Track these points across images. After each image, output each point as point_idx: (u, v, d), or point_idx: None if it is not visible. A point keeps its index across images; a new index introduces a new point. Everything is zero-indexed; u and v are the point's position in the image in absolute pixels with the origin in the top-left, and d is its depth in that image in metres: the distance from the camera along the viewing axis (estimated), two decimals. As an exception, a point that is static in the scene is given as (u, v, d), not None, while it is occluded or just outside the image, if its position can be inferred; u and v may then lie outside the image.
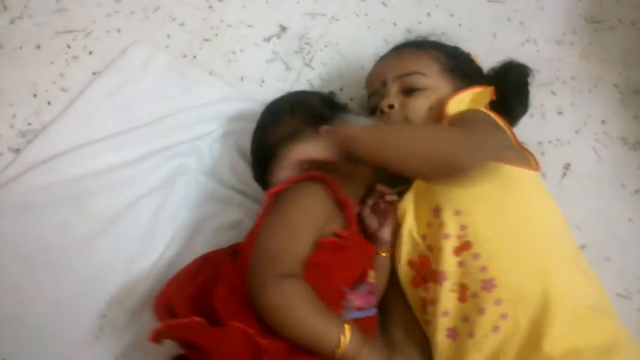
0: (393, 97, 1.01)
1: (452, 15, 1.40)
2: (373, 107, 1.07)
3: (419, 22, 1.37)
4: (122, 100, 1.15)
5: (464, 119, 0.90)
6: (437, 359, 0.83)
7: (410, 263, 0.90)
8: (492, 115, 0.96)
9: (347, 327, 0.72)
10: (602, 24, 1.45)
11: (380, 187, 0.91)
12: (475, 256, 0.82)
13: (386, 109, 1.00)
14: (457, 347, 0.81)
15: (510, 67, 1.05)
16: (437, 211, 0.87)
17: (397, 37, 1.34)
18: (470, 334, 0.79)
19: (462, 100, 0.95)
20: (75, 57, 1.20)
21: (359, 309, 0.81)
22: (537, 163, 0.96)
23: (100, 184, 1.05)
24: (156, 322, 0.77)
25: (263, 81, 1.24)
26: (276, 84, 1.23)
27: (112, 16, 1.28)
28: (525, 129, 1.20)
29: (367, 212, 0.93)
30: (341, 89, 1.26)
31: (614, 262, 1.10)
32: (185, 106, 1.15)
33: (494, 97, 0.98)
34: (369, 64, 1.28)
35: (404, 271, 0.91)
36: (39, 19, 1.25)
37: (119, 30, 1.26)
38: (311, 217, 0.80)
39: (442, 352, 0.83)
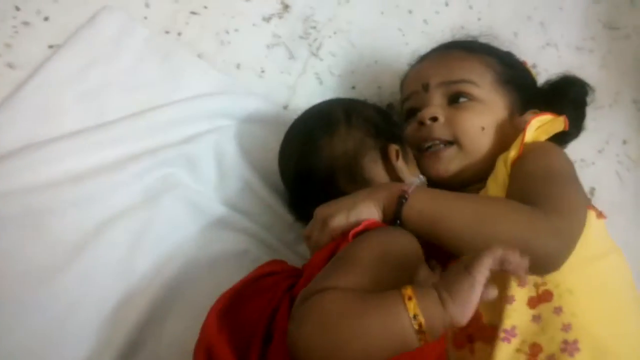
0: (437, 107, 0.85)
1: (471, 7, 1.24)
2: (409, 111, 0.91)
3: (436, 12, 1.20)
4: (88, 86, 0.90)
5: (543, 163, 0.75)
6: None
7: (454, 340, 0.74)
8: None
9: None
10: (619, 31, 1.35)
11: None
12: (557, 310, 0.68)
13: (427, 121, 0.85)
14: None
15: (572, 84, 0.92)
16: None
17: (414, 27, 1.18)
18: None
19: (535, 131, 0.80)
20: (26, 24, 0.93)
21: None
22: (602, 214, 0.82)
23: (62, 198, 0.81)
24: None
25: (263, 71, 1.03)
26: (279, 76, 1.03)
27: (74, -29, 1.00)
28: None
29: None
30: (353, 87, 1.08)
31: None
32: (169, 98, 0.93)
33: (566, 129, 0.83)
34: (383, 58, 1.12)
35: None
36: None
37: (82, -8, 0.99)
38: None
39: None
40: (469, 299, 0.53)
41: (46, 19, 0.95)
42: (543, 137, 0.81)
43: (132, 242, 0.81)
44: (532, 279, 0.70)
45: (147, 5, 1.01)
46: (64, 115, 0.87)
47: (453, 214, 0.67)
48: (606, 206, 1.07)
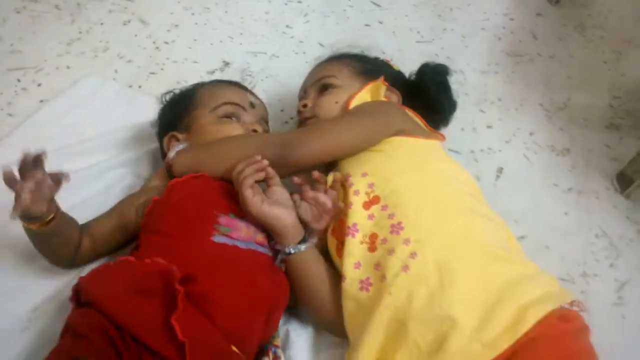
0: (308, 99, 1.11)
1: (383, 52, 1.51)
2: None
3: (355, 58, 1.48)
4: (69, 122, 1.19)
5: (355, 108, 1.02)
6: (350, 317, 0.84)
7: (333, 231, 0.92)
8: (389, 100, 1.07)
9: None
10: (522, 57, 1.58)
11: (316, 174, 0.93)
12: (384, 207, 0.87)
13: (301, 108, 1.11)
14: (371, 298, 0.81)
15: (427, 67, 1.16)
16: (347, 177, 0.93)
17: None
18: (382, 278, 0.80)
19: (363, 97, 1.06)
20: (24, 89, 1.26)
21: (240, 239, 0.83)
22: (442, 137, 1.05)
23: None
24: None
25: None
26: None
27: (63, 56, 1.36)
28: (458, 141, 1.28)
29: (298, 202, 0.91)
30: (282, 110, 1.32)
31: (554, 251, 1.12)
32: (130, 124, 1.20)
33: (386, 84, 1.08)
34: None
35: (330, 244, 0.93)
36: (-8, 59, 1.32)
37: (68, 67, 1.33)
38: None
39: (357, 309, 0.83)
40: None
41: (39, 85, 1.28)
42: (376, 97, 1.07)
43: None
44: (364, 189, 0.90)
45: (116, 71, 1.34)
46: (49, 142, 1.14)
47: (208, 159, 0.95)
48: (517, 180, 1.25)
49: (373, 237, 0.85)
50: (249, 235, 0.85)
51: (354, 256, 0.84)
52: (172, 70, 1.36)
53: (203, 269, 0.77)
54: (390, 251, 0.81)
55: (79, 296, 0.77)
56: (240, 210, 0.86)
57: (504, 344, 0.71)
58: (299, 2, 1.68)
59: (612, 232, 1.15)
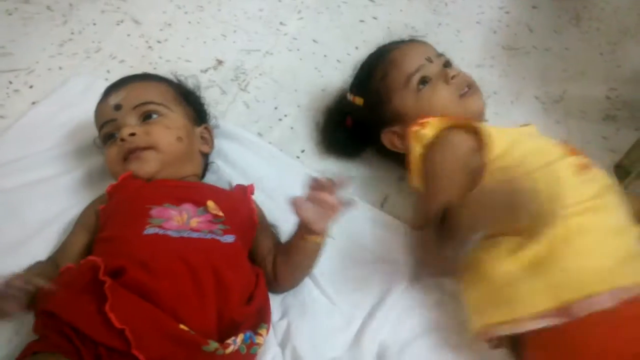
0: None
1: (378, 47, 1.51)
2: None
3: (348, 54, 1.47)
4: (60, 122, 1.18)
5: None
6: None
7: None
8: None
9: None
10: (518, 50, 1.57)
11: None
12: None
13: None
14: None
15: None
16: None
17: (328, 66, 1.44)
18: None
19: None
20: (16, 91, 1.25)
21: (172, 228, 0.84)
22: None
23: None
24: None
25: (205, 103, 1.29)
26: (213, 106, 1.28)
27: (55, 57, 1.35)
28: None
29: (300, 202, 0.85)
30: (275, 108, 1.32)
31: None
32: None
33: None
34: (301, 87, 1.37)
35: None
36: (-18, 62, 1.31)
37: (60, 68, 1.32)
38: None
39: None
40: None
41: (31, 87, 1.27)
42: None
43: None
44: None
45: (108, 72, 1.33)
46: (41, 141, 1.14)
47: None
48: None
49: None
50: (181, 223, 0.85)
51: None
52: (165, 69, 1.34)
53: (132, 260, 0.77)
54: None
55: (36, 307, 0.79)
56: (176, 198, 0.88)
57: None
58: (293, -2, 1.68)
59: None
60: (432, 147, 0.98)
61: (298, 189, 1.05)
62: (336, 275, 0.99)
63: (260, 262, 0.95)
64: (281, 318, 0.93)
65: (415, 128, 1.00)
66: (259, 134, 1.24)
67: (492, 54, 1.55)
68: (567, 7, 1.74)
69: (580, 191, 0.87)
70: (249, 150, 1.18)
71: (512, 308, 0.81)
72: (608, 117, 1.38)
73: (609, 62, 1.55)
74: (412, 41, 1.17)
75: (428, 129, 0.99)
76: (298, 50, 1.48)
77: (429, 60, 1.08)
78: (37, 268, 0.86)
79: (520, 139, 0.97)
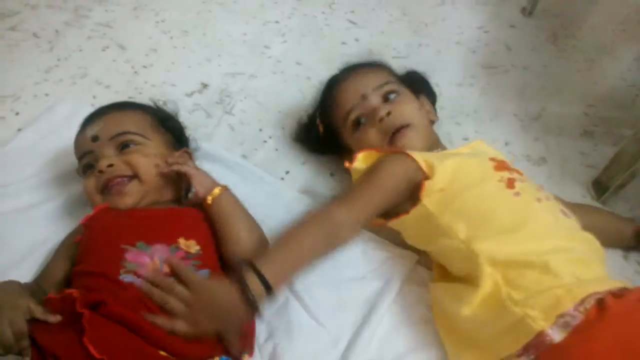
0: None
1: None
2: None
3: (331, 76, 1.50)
4: (46, 147, 1.19)
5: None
6: None
7: None
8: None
9: None
10: (497, 69, 1.61)
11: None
12: None
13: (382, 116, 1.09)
14: None
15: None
16: None
17: (312, 88, 1.46)
18: None
19: None
20: (2, 118, 1.27)
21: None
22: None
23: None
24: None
25: (184, 127, 1.31)
26: (198, 129, 1.30)
27: (41, 84, 1.37)
28: (435, 152, 1.29)
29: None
30: (260, 130, 1.34)
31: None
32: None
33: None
34: (286, 108, 1.39)
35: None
36: (-31, 90, 1.32)
37: (46, 95, 1.34)
38: None
39: None
40: None
41: (17, 113, 1.28)
42: None
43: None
44: None
45: (94, 97, 1.35)
46: (26, 166, 1.15)
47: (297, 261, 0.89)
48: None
49: None
50: (154, 269, 0.85)
51: None
52: (150, 93, 1.37)
53: (111, 296, 0.78)
54: None
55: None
56: (149, 236, 0.88)
57: None
58: (277, 22, 1.71)
59: (589, 238, 1.17)
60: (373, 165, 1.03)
61: (282, 210, 1.09)
62: (321, 294, 1.00)
63: None
64: (267, 340, 0.94)
65: (348, 165, 1.06)
66: (244, 156, 1.26)
67: (472, 73, 1.59)
68: (545, 26, 1.79)
69: (512, 208, 0.91)
70: (234, 172, 1.19)
71: (483, 354, 0.83)
72: (586, 133, 1.41)
73: (586, 79, 1.60)
74: (357, 73, 1.18)
75: (357, 162, 1.04)
76: (282, 72, 1.51)
77: (364, 97, 1.11)
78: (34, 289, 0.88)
79: (462, 162, 1.00)
